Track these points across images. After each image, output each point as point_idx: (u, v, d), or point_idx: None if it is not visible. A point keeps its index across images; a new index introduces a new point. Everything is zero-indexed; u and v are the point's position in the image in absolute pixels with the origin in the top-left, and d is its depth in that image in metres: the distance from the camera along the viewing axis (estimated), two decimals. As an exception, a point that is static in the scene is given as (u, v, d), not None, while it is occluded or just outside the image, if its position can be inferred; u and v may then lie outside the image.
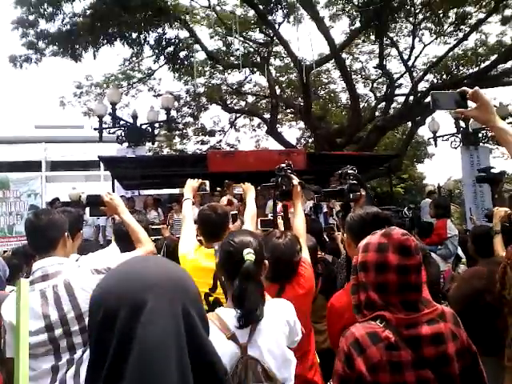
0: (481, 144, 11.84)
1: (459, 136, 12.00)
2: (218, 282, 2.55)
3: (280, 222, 3.57)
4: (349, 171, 3.09)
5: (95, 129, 11.64)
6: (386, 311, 1.62)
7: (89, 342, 0.96)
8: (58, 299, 2.23)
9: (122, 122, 11.77)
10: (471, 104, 1.81)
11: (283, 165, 3.18)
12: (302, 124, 20.18)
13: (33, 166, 29.81)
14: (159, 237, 4.59)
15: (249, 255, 1.82)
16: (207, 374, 0.92)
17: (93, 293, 0.98)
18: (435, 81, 16.08)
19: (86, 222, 9.46)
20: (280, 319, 1.90)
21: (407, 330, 1.61)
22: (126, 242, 2.90)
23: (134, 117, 11.76)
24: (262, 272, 1.92)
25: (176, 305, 0.91)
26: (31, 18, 12.76)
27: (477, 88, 1.75)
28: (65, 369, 2.21)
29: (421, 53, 16.20)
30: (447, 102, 1.79)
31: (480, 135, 11.80)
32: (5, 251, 5.79)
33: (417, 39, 15.62)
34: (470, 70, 15.53)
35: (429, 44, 15.99)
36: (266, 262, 1.98)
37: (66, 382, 2.19)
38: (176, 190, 10.96)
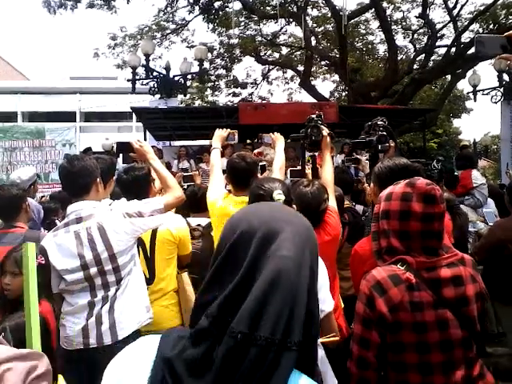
0: (523, 98, 11.34)
1: (501, 90, 11.52)
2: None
3: (309, 172, 3.56)
4: (378, 122, 3.03)
5: (128, 80, 11.70)
6: (406, 255, 1.65)
7: (211, 263, 0.99)
8: (91, 240, 2.35)
9: (154, 74, 11.76)
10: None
11: (313, 116, 3.14)
12: (336, 77, 19.66)
13: (67, 116, 30.32)
14: (192, 183, 4.67)
15: (279, 195, 1.86)
16: (311, 314, 0.95)
17: (231, 218, 1.03)
18: (481, 31, 15.21)
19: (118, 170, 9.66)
20: None
21: (427, 273, 1.64)
22: (128, 190, 2.96)
23: (167, 68, 11.71)
24: None
25: (306, 245, 0.96)
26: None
27: None
28: (100, 304, 2.37)
29: (468, 0, 15.26)
30: (493, 46, 1.71)
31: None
32: (42, 197, 6.01)
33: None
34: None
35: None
36: (294, 206, 2.00)
37: (101, 317, 2.34)
38: (207, 142, 10.99)
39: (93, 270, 2.34)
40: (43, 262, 2.33)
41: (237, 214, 1.03)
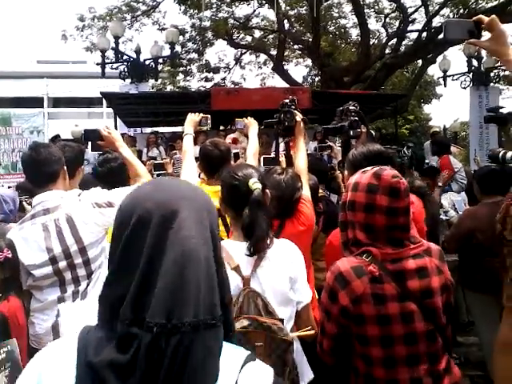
0: (491, 84, 11.51)
1: (470, 75, 11.67)
2: (220, 220, 2.57)
3: (282, 159, 3.53)
4: (350, 107, 3.02)
5: (97, 64, 11.40)
6: (372, 247, 1.65)
7: (110, 252, 0.96)
8: (60, 232, 2.26)
9: (125, 57, 11.49)
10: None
11: (286, 100, 3.10)
12: (309, 62, 19.63)
13: (35, 101, 29.47)
14: (162, 172, 4.58)
15: (255, 184, 1.82)
16: (221, 284, 0.94)
17: (121, 203, 0.99)
18: (451, 15, 15.34)
19: (88, 161, 9.43)
20: (286, 260, 1.89)
21: (392, 265, 1.64)
22: (105, 181, 2.90)
23: (138, 52, 11.47)
24: (267, 201, 1.92)
25: (205, 219, 0.94)
26: None
27: (494, 16, 1.64)
28: (70, 300, 2.29)
29: (438, -16, 15.39)
30: (460, 30, 1.69)
31: (492, 74, 11.45)
32: (9, 187, 5.82)
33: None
34: (490, 4, 14.77)
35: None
36: (268, 192, 1.97)
37: None
38: (179, 128, 10.86)
39: (62, 264, 2.25)
40: (9, 255, 2.23)
41: (129, 198, 0.99)
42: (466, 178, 5.97)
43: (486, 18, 1.65)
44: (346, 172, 2.43)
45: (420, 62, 16.12)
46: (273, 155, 3.31)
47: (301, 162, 2.87)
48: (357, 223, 1.70)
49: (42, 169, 2.34)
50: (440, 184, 5.18)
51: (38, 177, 2.38)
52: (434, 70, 19.98)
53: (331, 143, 4.43)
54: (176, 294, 0.83)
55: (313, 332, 1.85)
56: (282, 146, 7.07)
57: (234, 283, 1.77)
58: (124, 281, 0.88)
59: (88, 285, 2.33)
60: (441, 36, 12.69)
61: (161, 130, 11.29)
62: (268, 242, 1.82)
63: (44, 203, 2.31)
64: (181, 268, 0.85)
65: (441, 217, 4.52)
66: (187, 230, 0.89)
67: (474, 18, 1.68)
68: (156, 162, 4.87)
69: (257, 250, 1.79)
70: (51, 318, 2.26)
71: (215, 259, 0.92)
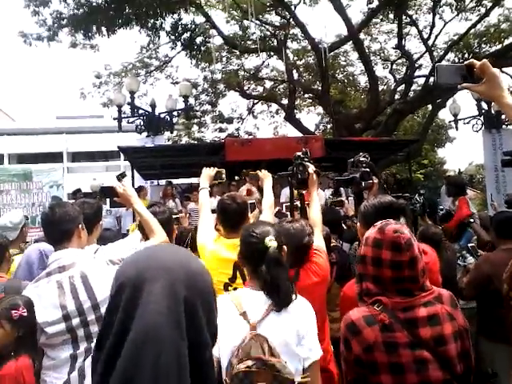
0: (503, 126, 11.45)
1: (481, 118, 11.64)
2: (238, 273, 2.59)
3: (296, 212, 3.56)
4: (361, 159, 3.07)
5: (114, 118, 11.73)
6: (383, 296, 1.68)
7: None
8: (74, 290, 2.28)
9: (140, 111, 11.82)
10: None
11: (299, 153, 3.17)
12: (320, 109, 19.97)
13: (54, 156, 30.23)
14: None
15: (271, 242, 1.90)
16: (198, 366, 0.94)
17: (119, 266, 1.06)
18: (456, 60, 15.65)
19: (110, 212, 9.54)
20: (296, 315, 1.91)
21: (403, 313, 1.65)
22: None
23: (153, 106, 11.80)
24: (283, 257, 1.99)
25: (179, 291, 0.94)
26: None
27: (485, 60, 1.62)
28: (83, 357, 2.27)
29: (441, 31, 15.80)
30: (452, 75, 1.66)
31: (503, 117, 11.42)
32: (26, 242, 5.89)
33: (437, 16, 15.18)
34: (493, 48, 15.04)
35: (450, 21, 15.52)
36: (285, 247, 2.02)
37: (84, 370, 2.25)
38: (194, 180, 11.01)
39: (75, 321, 2.26)
40: (25, 313, 2.25)
41: (122, 264, 1.05)
42: (481, 221, 5.90)
43: (477, 62, 1.63)
44: (358, 224, 2.45)
45: (430, 106, 16.29)
46: (285, 208, 3.35)
47: (315, 214, 2.91)
48: (368, 276, 1.74)
49: (57, 227, 2.41)
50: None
51: (54, 235, 2.45)
52: (444, 114, 20.20)
53: (343, 198, 4.44)
54: (134, 370, 0.83)
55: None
56: (284, 195, 7.10)
57: (242, 327, 1.83)
58: (100, 350, 0.91)
59: None
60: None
61: (175, 181, 11.45)
62: (292, 296, 1.89)
63: (59, 261, 2.35)
64: (138, 349, 0.85)
65: (458, 262, 4.44)
66: (155, 303, 0.90)
67: (466, 63, 1.66)
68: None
69: (284, 305, 1.87)
70: (63, 376, 2.24)
71: (191, 337, 0.91)
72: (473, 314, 3.92)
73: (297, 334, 1.87)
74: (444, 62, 10.99)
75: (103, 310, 2.30)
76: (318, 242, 2.65)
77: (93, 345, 2.25)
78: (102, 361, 0.88)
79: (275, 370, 1.68)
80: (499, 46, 14.69)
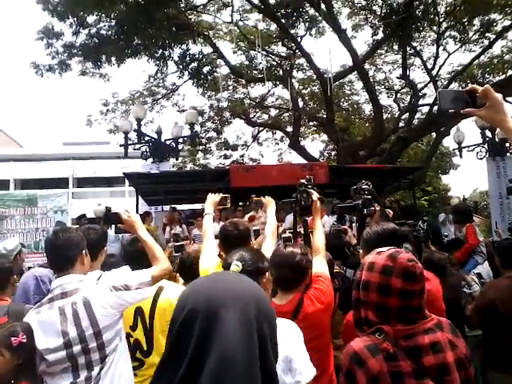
0: (508, 154, 11.50)
1: (485, 146, 11.71)
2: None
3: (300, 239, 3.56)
4: (363, 186, 3.10)
5: (121, 145, 11.86)
6: (384, 325, 1.64)
7: (166, 342, 1.00)
8: (76, 316, 2.26)
9: (146, 138, 11.96)
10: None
11: (303, 180, 3.19)
12: (324, 137, 20.14)
13: (60, 182, 30.44)
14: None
15: (234, 267, 1.84)
16: None
17: (181, 295, 1.04)
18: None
19: (117, 237, 9.54)
20: (281, 339, 1.87)
21: (405, 341, 1.62)
22: (133, 261, 2.92)
23: (159, 132, 11.93)
24: (258, 283, 1.94)
25: (252, 320, 0.96)
26: (56, 28, 13.01)
27: (487, 86, 1.63)
28: (83, 386, 2.24)
29: (445, 62, 16.04)
30: (455, 100, 1.67)
31: (507, 145, 11.49)
32: (29, 267, 5.88)
33: (441, 48, 15.48)
34: (497, 78, 15.22)
35: (453, 52, 15.81)
36: (267, 273, 2.00)
37: None
38: (198, 206, 11.04)
39: (76, 349, 2.22)
40: (24, 340, 2.23)
41: (186, 290, 1.04)
42: (487, 248, 5.88)
43: (479, 88, 1.62)
44: (361, 251, 2.45)
45: (434, 134, 16.39)
46: (289, 234, 3.36)
47: (318, 240, 2.90)
48: (369, 303, 1.69)
49: (60, 253, 2.41)
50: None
51: (57, 261, 2.45)
52: (449, 142, 20.27)
53: (346, 227, 4.46)
54: None
55: None
56: (288, 222, 7.08)
57: None
58: (173, 372, 0.91)
59: (101, 369, 2.27)
60: (452, 110, 12.98)
61: (178, 207, 11.49)
62: None
63: (62, 286, 2.34)
64: (219, 373, 0.86)
65: (464, 290, 4.41)
66: (230, 332, 0.90)
67: (467, 88, 1.66)
68: (177, 244, 4.91)
69: None
70: None
71: (264, 360, 0.92)
72: (478, 341, 3.86)
73: (284, 359, 1.83)
74: (446, 89, 11.13)
75: (105, 337, 2.28)
76: (322, 268, 2.64)
77: (93, 373, 2.25)
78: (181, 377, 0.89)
79: None
80: (503, 76, 14.87)
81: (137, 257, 2.89)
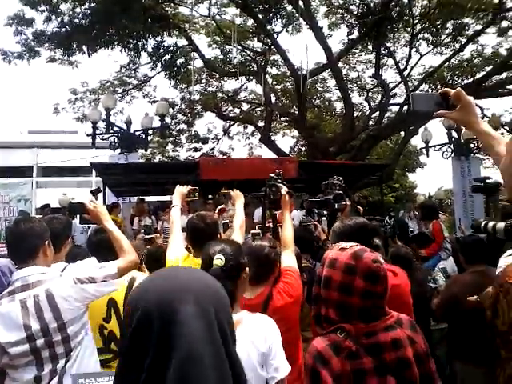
0: (472, 154, 11.89)
1: (451, 146, 12.05)
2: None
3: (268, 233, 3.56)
4: (334, 181, 3.13)
5: (88, 135, 11.61)
6: (345, 323, 1.64)
7: (121, 348, 0.98)
8: (39, 309, 2.19)
9: (115, 128, 11.74)
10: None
11: (272, 174, 3.19)
12: (295, 132, 20.24)
13: (24, 171, 29.65)
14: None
15: (217, 260, 1.84)
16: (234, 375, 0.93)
17: (129, 299, 1.00)
18: (430, 91, 16.16)
19: (84, 228, 9.32)
20: (258, 335, 1.88)
21: (367, 339, 1.62)
22: (98, 252, 2.90)
23: (128, 123, 11.74)
24: (239, 278, 1.95)
25: (210, 311, 0.93)
26: (28, 16, 12.60)
27: (459, 89, 1.64)
28: (47, 379, 2.19)
29: (417, 63, 16.36)
30: (427, 103, 1.69)
31: (472, 145, 11.85)
32: (-1, 256, 5.68)
33: (414, 49, 15.74)
34: (466, 81, 15.64)
35: (425, 54, 16.13)
36: (247, 268, 2.00)
37: None
38: (168, 198, 10.93)
39: (39, 342, 2.16)
40: None
41: (134, 292, 1.00)
42: (451, 244, 6.02)
43: (451, 90, 1.64)
44: (330, 244, 2.46)
45: (403, 133, 16.71)
46: (258, 231, 3.36)
47: (287, 234, 2.91)
48: (330, 301, 1.69)
49: (21, 244, 2.33)
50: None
51: (18, 252, 2.37)
52: (416, 141, 20.72)
53: (316, 222, 4.48)
54: None
55: None
56: (257, 215, 7.09)
57: None
58: (129, 378, 0.87)
59: (67, 362, 2.23)
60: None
61: (147, 198, 11.36)
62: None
63: (24, 278, 2.26)
64: (187, 372, 0.84)
65: (429, 284, 4.51)
66: (190, 326, 0.87)
67: (440, 91, 1.68)
68: (146, 236, 4.85)
69: None
70: None
71: (227, 352, 0.91)
72: (443, 334, 3.97)
73: (261, 355, 1.83)
74: (418, 91, 11.39)
75: (70, 330, 2.23)
76: (290, 262, 2.65)
77: (58, 366, 2.20)
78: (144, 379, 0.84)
79: None
80: (471, 80, 15.27)
81: (102, 247, 2.85)
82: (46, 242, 2.40)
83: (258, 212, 7.46)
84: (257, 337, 1.85)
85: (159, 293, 0.92)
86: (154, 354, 0.86)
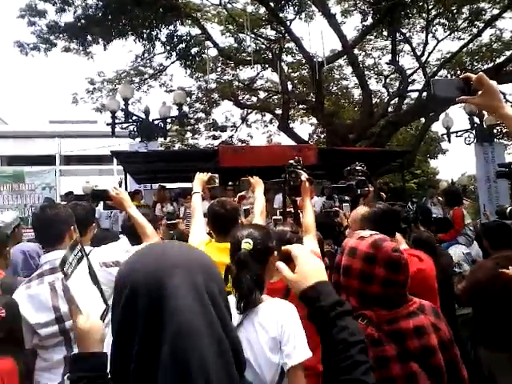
0: (495, 140, 11.68)
1: (473, 132, 11.84)
2: (230, 276, 2.59)
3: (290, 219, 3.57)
4: (357, 167, 3.12)
5: (108, 124, 11.72)
6: (366, 310, 1.64)
7: (111, 319, 0.96)
8: (67, 291, 2.24)
9: (134, 118, 11.83)
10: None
11: (292, 161, 3.19)
12: (314, 120, 20.09)
13: (47, 159, 30.08)
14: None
15: (245, 244, 1.88)
16: (235, 358, 0.93)
17: (117, 275, 1.00)
18: (449, 76, 15.86)
19: (108, 214, 9.46)
20: (272, 320, 1.85)
21: (388, 326, 1.62)
22: (132, 235, 2.95)
23: (146, 112, 11.81)
24: (267, 262, 1.96)
25: (200, 282, 0.92)
26: (40, 7, 12.68)
27: (481, 73, 1.60)
28: (77, 360, 2.25)
29: (434, 48, 16.07)
30: (449, 89, 1.65)
31: (495, 131, 11.64)
32: (18, 242, 5.84)
33: (430, 35, 15.49)
34: (485, 66, 15.29)
35: (442, 40, 15.82)
36: (275, 252, 2.00)
37: None
38: (188, 185, 11.01)
39: (68, 323, 2.22)
40: (3, 314, 2.20)
41: (121, 270, 0.99)
42: (475, 230, 5.96)
43: (473, 76, 1.60)
44: (350, 230, 2.47)
45: (423, 119, 16.48)
46: (280, 217, 3.37)
47: (308, 219, 2.91)
48: (351, 289, 1.68)
49: (48, 230, 2.40)
50: None
51: (45, 236, 2.45)
52: (437, 127, 20.41)
53: (338, 208, 4.46)
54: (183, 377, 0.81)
55: None
56: (278, 201, 7.06)
57: None
58: (123, 362, 0.87)
59: None
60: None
61: (167, 185, 11.45)
62: (253, 299, 1.84)
63: (51, 262, 2.33)
64: (182, 339, 0.83)
65: (454, 269, 4.47)
66: (181, 297, 0.87)
67: (462, 76, 1.64)
68: (169, 222, 4.92)
69: (243, 307, 1.83)
70: (58, 378, 2.21)
71: (224, 325, 0.90)
72: (467, 319, 3.95)
73: (272, 340, 1.80)
74: (438, 77, 11.20)
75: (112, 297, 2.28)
76: (313, 246, 2.66)
77: None
78: (133, 371, 0.84)
79: None
80: (491, 65, 14.93)
81: (135, 231, 2.90)
82: (72, 227, 2.45)
83: (279, 198, 7.47)
84: (268, 321, 1.83)
85: (146, 269, 0.91)
86: (144, 330, 0.85)
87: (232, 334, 0.94)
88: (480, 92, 1.58)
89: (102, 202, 3.06)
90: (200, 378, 0.82)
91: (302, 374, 1.83)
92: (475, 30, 14.66)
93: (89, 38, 13.02)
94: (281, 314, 1.87)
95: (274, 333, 1.81)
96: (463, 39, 15.33)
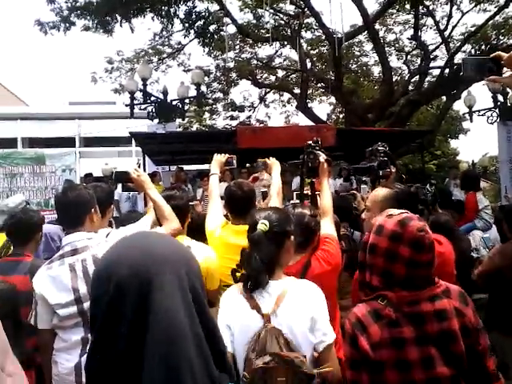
0: (520, 119, 11.33)
1: (496, 111, 11.50)
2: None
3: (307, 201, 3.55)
4: (379, 148, 3.07)
5: (126, 105, 11.73)
6: (387, 291, 1.63)
7: (91, 314, 0.97)
8: (86, 273, 2.31)
9: (152, 98, 11.81)
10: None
11: (310, 142, 3.16)
12: (332, 99, 19.86)
13: (67, 141, 30.39)
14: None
15: (261, 225, 1.90)
16: (211, 343, 0.94)
17: (101, 260, 1.00)
18: (473, 52, 15.39)
19: (127, 196, 9.54)
20: (307, 300, 1.90)
21: (409, 307, 1.60)
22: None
23: (165, 93, 11.78)
24: (283, 245, 1.97)
25: (183, 277, 0.93)
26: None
27: None
28: (94, 341, 2.30)
29: (458, 22, 15.49)
30: (479, 68, 1.64)
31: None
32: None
33: (455, 7, 14.93)
34: (511, 40, 14.82)
35: (467, 12, 15.25)
36: (292, 236, 2.01)
37: None
38: (206, 166, 11.03)
39: (87, 305, 2.27)
40: None
41: (103, 263, 0.98)
42: (494, 213, 5.84)
43: (504, 55, 1.58)
44: (367, 211, 2.45)
45: (445, 97, 16.11)
46: (298, 200, 3.35)
47: (326, 202, 2.89)
48: (375, 267, 1.67)
49: (70, 212, 2.44)
50: None
51: (67, 218, 2.49)
52: (459, 106, 19.95)
53: (355, 192, 4.42)
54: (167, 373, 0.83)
55: (331, 368, 1.83)
56: (295, 183, 7.04)
57: (255, 321, 1.82)
58: (107, 354, 0.88)
59: None
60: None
61: (185, 167, 11.50)
62: (261, 280, 1.86)
63: (72, 244, 2.38)
64: (166, 331, 0.85)
65: (471, 254, 4.41)
66: (166, 293, 0.88)
67: (492, 55, 1.63)
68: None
69: (252, 286, 1.87)
70: (75, 358, 2.27)
71: (203, 317, 0.92)
72: (481, 304, 3.91)
73: (310, 319, 1.85)
74: (468, 56, 10.83)
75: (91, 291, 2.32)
76: (329, 230, 2.64)
77: None
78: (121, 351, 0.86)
79: (294, 366, 1.68)
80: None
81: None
82: (93, 209, 2.49)
83: (297, 180, 7.45)
84: (306, 302, 1.88)
85: (132, 264, 0.91)
86: (129, 329, 0.86)
87: (212, 325, 0.97)
88: (510, 70, 1.56)
89: (120, 184, 3.07)
90: (189, 380, 0.84)
91: (334, 350, 1.92)
92: (502, 1, 14.08)
93: (108, 17, 12.95)
94: (315, 295, 1.93)
95: (312, 313, 1.87)
96: (489, 11, 14.77)
